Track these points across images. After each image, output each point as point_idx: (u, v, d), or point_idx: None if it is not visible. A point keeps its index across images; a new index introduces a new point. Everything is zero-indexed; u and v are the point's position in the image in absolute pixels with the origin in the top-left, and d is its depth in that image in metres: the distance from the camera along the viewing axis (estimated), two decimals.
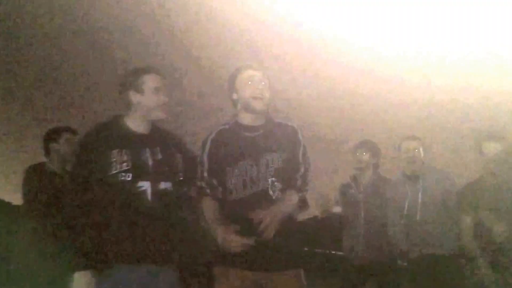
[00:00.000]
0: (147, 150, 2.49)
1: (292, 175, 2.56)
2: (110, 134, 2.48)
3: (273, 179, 2.46)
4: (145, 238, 2.36)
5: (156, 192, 2.43)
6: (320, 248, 8.66)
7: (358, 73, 8.92)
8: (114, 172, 2.37)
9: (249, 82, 2.54)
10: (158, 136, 2.59)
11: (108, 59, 9.11)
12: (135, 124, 2.55)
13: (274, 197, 2.45)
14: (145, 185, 2.41)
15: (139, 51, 8.96)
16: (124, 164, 2.39)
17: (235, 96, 2.60)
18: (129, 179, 2.38)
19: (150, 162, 2.47)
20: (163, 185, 2.47)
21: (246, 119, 2.58)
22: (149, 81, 2.52)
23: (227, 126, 2.62)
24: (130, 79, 2.54)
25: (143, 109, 2.52)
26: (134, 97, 2.53)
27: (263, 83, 2.55)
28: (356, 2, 8.26)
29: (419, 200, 3.79)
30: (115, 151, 2.41)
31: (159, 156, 2.51)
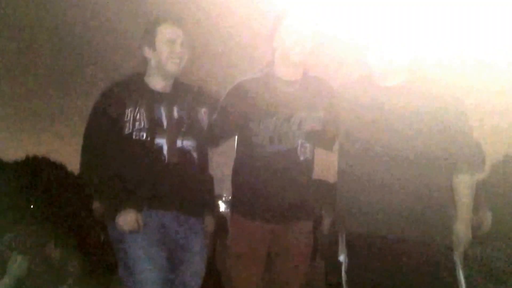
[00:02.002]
0: (162, 108, 2.39)
1: (328, 137, 2.38)
2: (126, 93, 2.36)
3: (303, 140, 2.29)
4: (165, 189, 2.35)
5: (172, 150, 2.35)
6: None
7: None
8: (128, 132, 2.30)
9: (295, 29, 2.24)
10: (179, 94, 2.46)
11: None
12: (154, 81, 2.42)
13: (301, 159, 2.31)
14: (161, 143, 2.34)
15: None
16: (137, 123, 2.32)
17: (276, 43, 2.31)
18: (144, 138, 2.31)
19: (164, 120, 2.38)
20: (179, 143, 2.38)
21: (282, 71, 2.32)
22: (161, 34, 2.36)
23: (258, 75, 2.34)
24: (144, 35, 2.41)
25: (158, 65, 2.38)
26: (148, 53, 2.40)
27: (309, 32, 2.25)
28: (357, 2, 8.28)
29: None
30: (128, 110, 2.32)
31: (176, 114, 2.41)
